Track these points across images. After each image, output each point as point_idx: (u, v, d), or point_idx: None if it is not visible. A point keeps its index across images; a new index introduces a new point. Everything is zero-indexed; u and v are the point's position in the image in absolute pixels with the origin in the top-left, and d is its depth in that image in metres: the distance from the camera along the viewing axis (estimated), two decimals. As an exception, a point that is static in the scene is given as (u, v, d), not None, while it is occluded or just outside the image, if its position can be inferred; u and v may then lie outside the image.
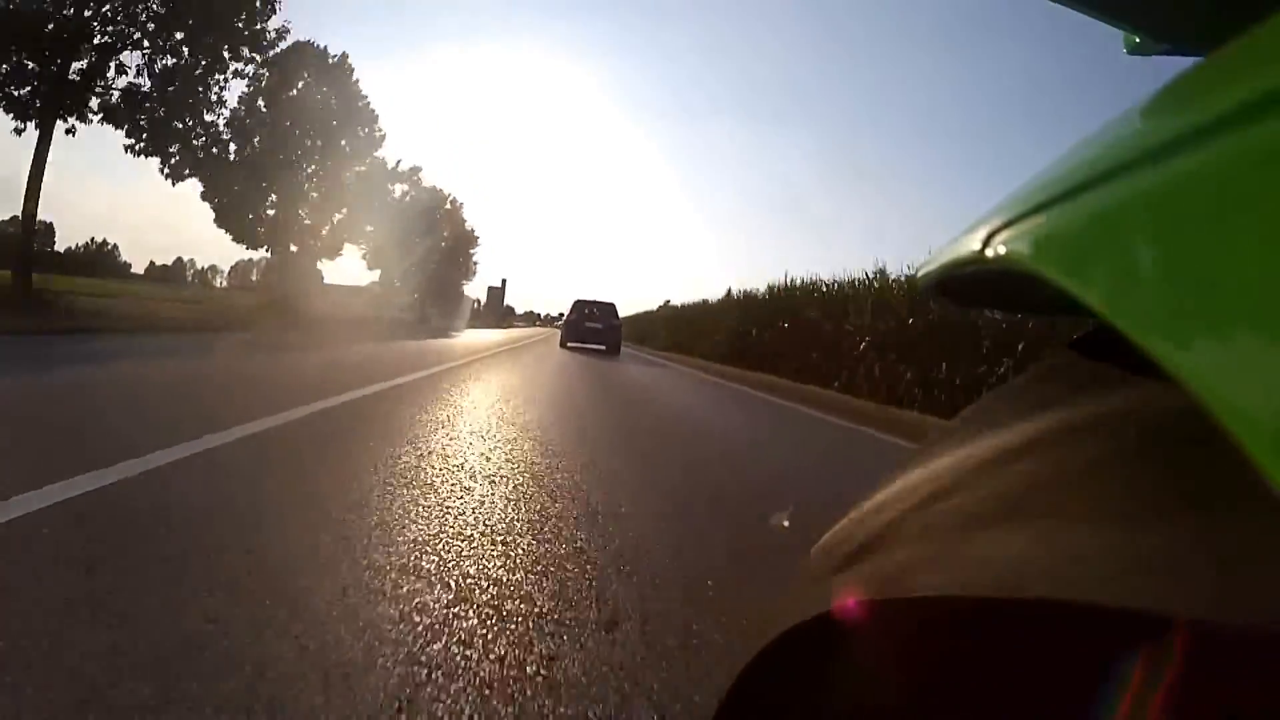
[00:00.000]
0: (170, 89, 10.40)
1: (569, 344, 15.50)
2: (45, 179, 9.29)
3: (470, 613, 1.08)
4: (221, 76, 11.16)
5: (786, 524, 1.90)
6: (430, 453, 2.25)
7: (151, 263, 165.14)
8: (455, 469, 2.06)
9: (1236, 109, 0.17)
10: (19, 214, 9.41)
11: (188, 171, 12.21)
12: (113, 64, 9.85)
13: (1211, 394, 0.15)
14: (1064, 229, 0.22)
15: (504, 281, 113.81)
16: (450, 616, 1.06)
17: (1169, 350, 0.17)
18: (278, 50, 12.60)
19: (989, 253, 0.26)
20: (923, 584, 0.23)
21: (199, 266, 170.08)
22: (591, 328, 15.36)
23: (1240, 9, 0.20)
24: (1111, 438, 0.22)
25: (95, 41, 9.50)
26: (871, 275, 8.11)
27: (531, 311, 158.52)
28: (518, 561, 1.34)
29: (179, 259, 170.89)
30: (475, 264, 37.56)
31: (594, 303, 16.46)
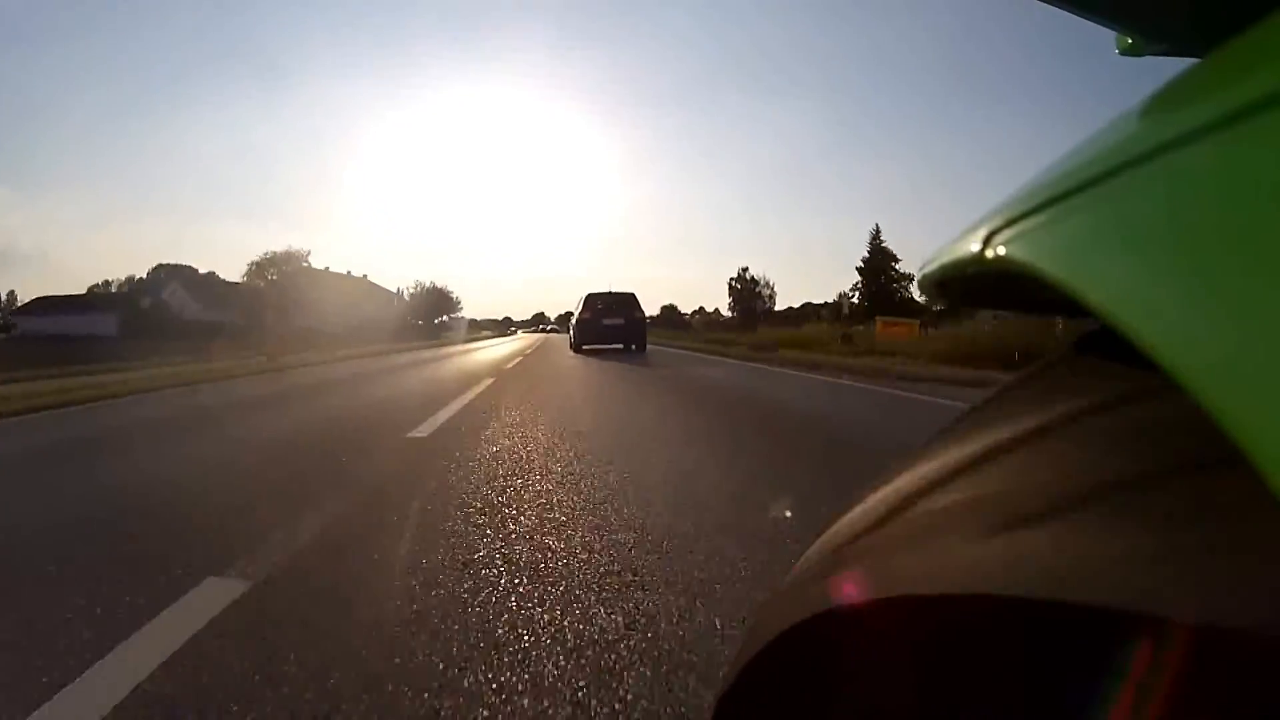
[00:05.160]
0: None
1: (584, 347, 12.51)
2: None
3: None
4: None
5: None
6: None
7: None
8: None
9: (1238, 108, 0.17)
10: None
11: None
12: None
13: (1211, 394, 0.15)
14: (1064, 229, 0.22)
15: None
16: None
17: (1169, 351, 0.17)
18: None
19: (989, 253, 0.26)
20: (923, 583, 0.23)
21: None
22: (611, 325, 12.22)
23: (1234, 10, 0.20)
24: (1111, 438, 0.22)
25: None
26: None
27: (508, 318, 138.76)
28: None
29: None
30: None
31: (609, 294, 12.73)
